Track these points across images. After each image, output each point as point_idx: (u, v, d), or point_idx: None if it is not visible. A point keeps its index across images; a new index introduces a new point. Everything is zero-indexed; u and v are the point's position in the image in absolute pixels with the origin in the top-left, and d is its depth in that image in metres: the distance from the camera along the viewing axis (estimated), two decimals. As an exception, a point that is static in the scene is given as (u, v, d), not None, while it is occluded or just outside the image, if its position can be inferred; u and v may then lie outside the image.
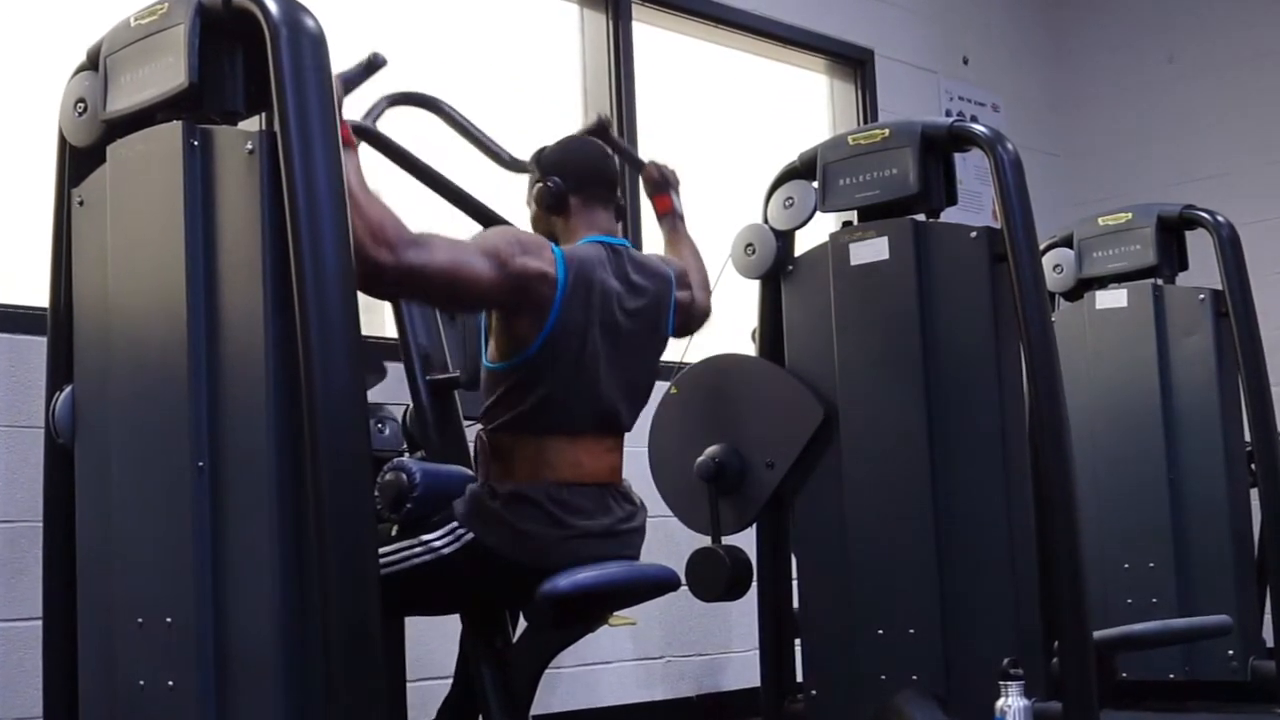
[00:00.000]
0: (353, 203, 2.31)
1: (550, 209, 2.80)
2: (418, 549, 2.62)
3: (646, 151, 4.54)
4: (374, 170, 2.64)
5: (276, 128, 2.23)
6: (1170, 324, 4.19)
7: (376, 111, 2.95)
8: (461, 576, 2.63)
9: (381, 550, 2.54)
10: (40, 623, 2.63)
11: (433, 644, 3.22)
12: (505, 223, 2.95)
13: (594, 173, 2.84)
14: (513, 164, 3.08)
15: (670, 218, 3.22)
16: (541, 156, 2.88)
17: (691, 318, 3.08)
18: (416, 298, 2.67)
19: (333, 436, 2.16)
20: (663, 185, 3.22)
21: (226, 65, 2.39)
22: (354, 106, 2.75)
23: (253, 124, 2.45)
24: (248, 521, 2.28)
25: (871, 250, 3.25)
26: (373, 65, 2.63)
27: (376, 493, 2.56)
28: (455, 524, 2.62)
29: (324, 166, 2.22)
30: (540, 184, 2.82)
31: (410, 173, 3.00)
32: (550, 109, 4.53)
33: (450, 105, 3.09)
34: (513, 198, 3.06)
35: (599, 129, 3.16)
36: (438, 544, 2.61)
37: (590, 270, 2.68)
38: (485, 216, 3.06)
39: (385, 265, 2.42)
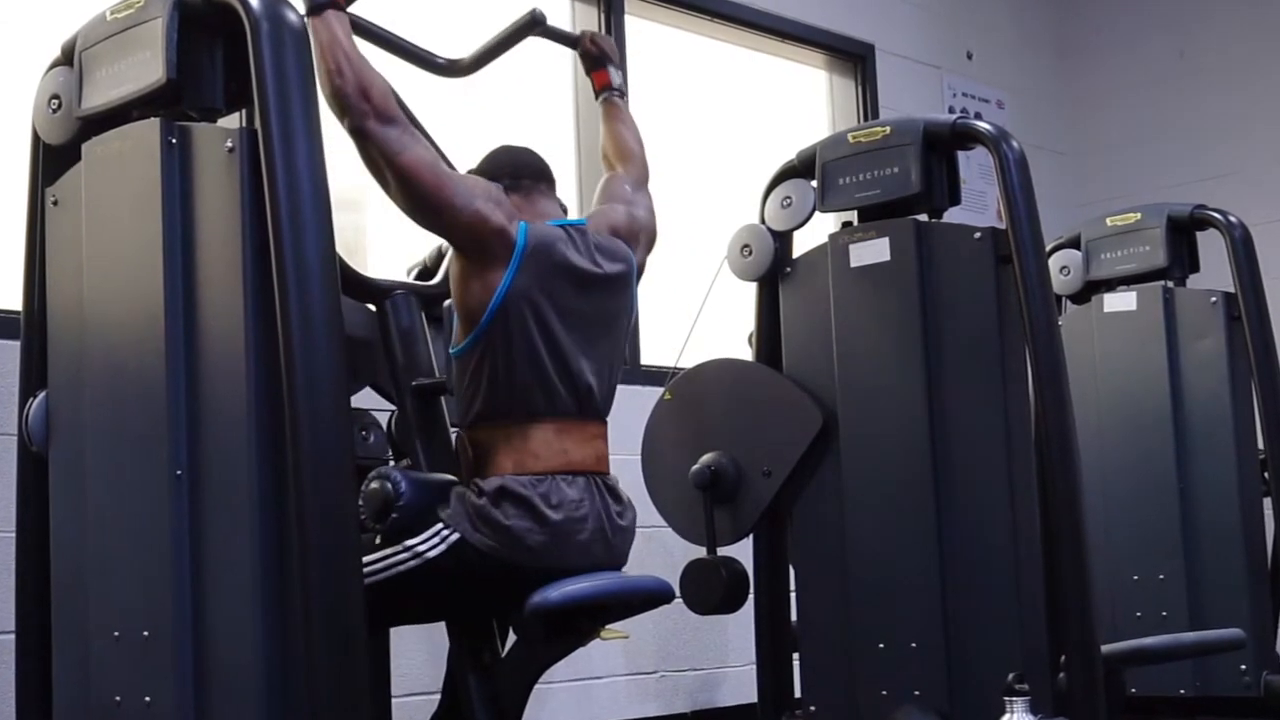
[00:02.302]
0: (342, 55, 2.39)
1: None
2: (403, 554, 2.58)
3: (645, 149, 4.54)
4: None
5: (257, 125, 2.22)
6: (1181, 328, 4.14)
7: None
8: (448, 580, 2.59)
9: (365, 559, 2.51)
10: (14, 636, 2.60)
11: (420, 658, 3.19)
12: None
13: (526, 165, 2.81)
14: (449, 68, 3.05)
15: (608, 93, 3.17)
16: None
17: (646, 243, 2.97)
18: (370, 166, 2.60)
19: (315, 444, 2.16)
20: (600, 59, 3.17)
21: (205, 60, 2.37)
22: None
23: (232, 121, 2.43)
24: (227, 532, 2.27)
25: (872, 251, 3.21)
26: None
27: (360, 502, 2.53)
28: (440, 525, 2.58)
29: (306, 165, 2.21)
30: None
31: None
32: (541, 107, 4.49)
33: (366, 19, 2.96)
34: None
35: (533, 21, 3.08)
36: (422, 548, 2.57)
37: (551, 245, 2.65)
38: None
39: (362, 129, 2.49)
